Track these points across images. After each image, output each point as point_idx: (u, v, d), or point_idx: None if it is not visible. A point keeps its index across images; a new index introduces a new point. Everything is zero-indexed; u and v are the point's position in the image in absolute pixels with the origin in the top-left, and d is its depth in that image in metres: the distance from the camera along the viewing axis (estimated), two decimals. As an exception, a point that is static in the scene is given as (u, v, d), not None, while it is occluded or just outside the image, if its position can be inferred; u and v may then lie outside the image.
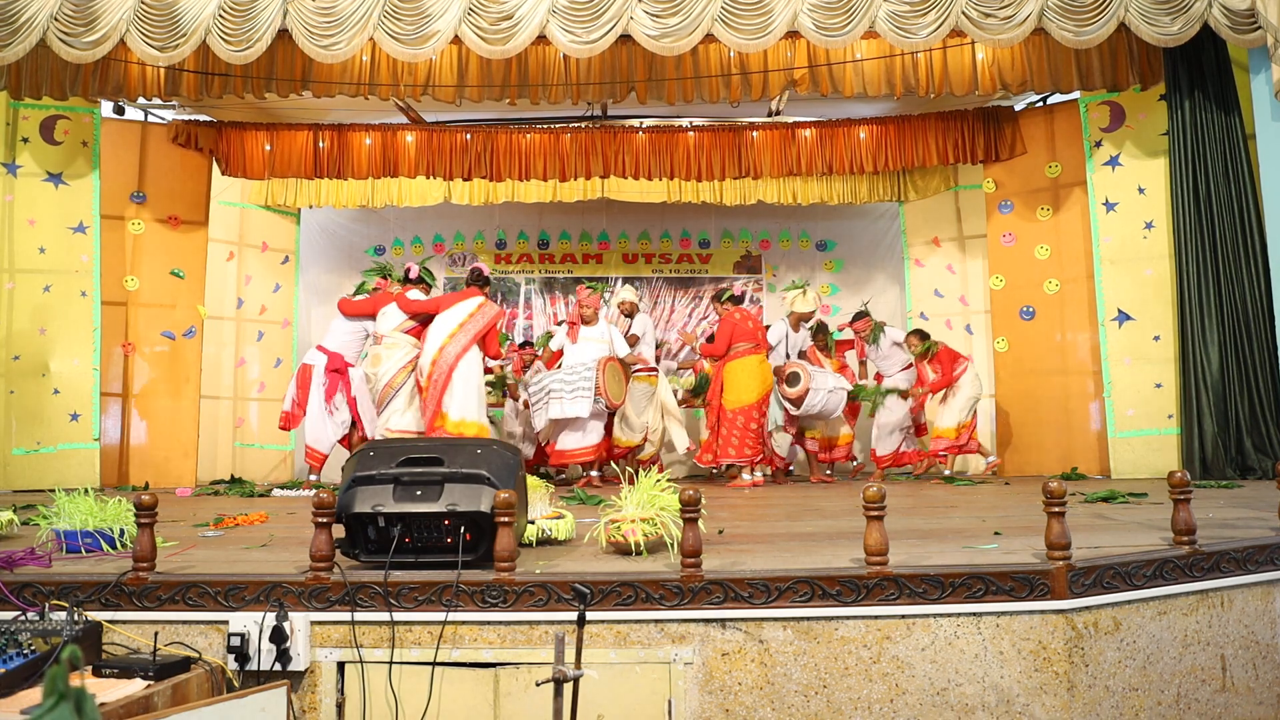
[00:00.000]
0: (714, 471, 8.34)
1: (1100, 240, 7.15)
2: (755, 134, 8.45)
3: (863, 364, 8.29)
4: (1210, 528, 3.47)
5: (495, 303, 7.08)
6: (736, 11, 6.02)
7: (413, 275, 6.75)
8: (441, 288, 10.07)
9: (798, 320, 7.69)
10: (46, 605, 2.71)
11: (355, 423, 6.55)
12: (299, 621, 2.71)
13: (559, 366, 7.12)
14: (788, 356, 7.57)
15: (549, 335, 8.07)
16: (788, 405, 7.32)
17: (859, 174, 8.88)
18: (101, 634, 2.68)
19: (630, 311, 7.89)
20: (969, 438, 7.58)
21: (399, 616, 2.74)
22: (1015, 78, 6.83)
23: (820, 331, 8.15)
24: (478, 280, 6.62)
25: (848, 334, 8.45)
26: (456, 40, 6.13)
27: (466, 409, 6.02)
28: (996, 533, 3.58)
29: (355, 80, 6.87)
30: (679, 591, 2.74)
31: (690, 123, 8.55)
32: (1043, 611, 2.74)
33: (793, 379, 7.24)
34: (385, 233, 10.08)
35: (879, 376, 7.99)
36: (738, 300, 7.67)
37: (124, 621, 2.75)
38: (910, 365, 7.82)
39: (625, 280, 9.13)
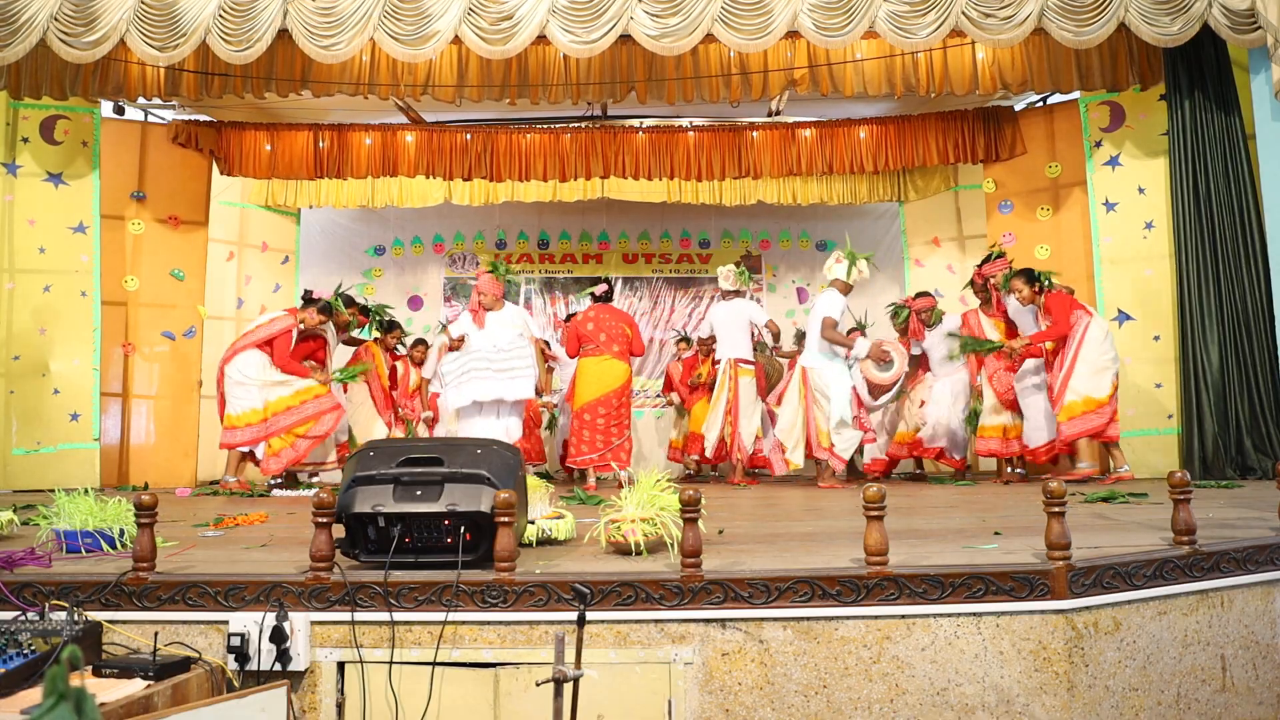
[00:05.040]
0: (706, 472, 8.35)
1: (1100, 240, 7.15)
2: (755, 134, 8.45)
3: (1012, 326, 6.81)
4: (1210, 528, 3.47)
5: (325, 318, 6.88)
6: (736, 11, 6.02)
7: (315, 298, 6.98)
8: (440, 289, 10.10)
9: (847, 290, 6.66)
10: (46, 605, 2.70)
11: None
12: (299, 621, 2.71)
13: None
14: (839, 325, 6.54)
15: (442, 327, 7.81)
16: (868, 396, 6.60)
17: (859, 174, 8.89)
18: (101, 634, 2.68)
19: (726, 296, 7.36)
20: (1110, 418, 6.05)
21: (399, 616, 2.74)
22: (1015, 78, 6.83)
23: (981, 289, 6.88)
24: (303, 298, 6.97)
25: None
26: (456, 40, 6.13)
27: (241, 403, 6.48)
28: (996, 533, 3.58)
29: (355, 80, 6.87)
30: (679, 591, 2.74)
31: (690, 123, 8.55)
32: (1043, 611, 2.74)
33: (884, 363, 6.51)
34: (385, 233, 10.10)
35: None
36: (600, 299, 7.18)
37: (124, 621, 2.75)
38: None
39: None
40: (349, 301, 7.12)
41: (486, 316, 6.44)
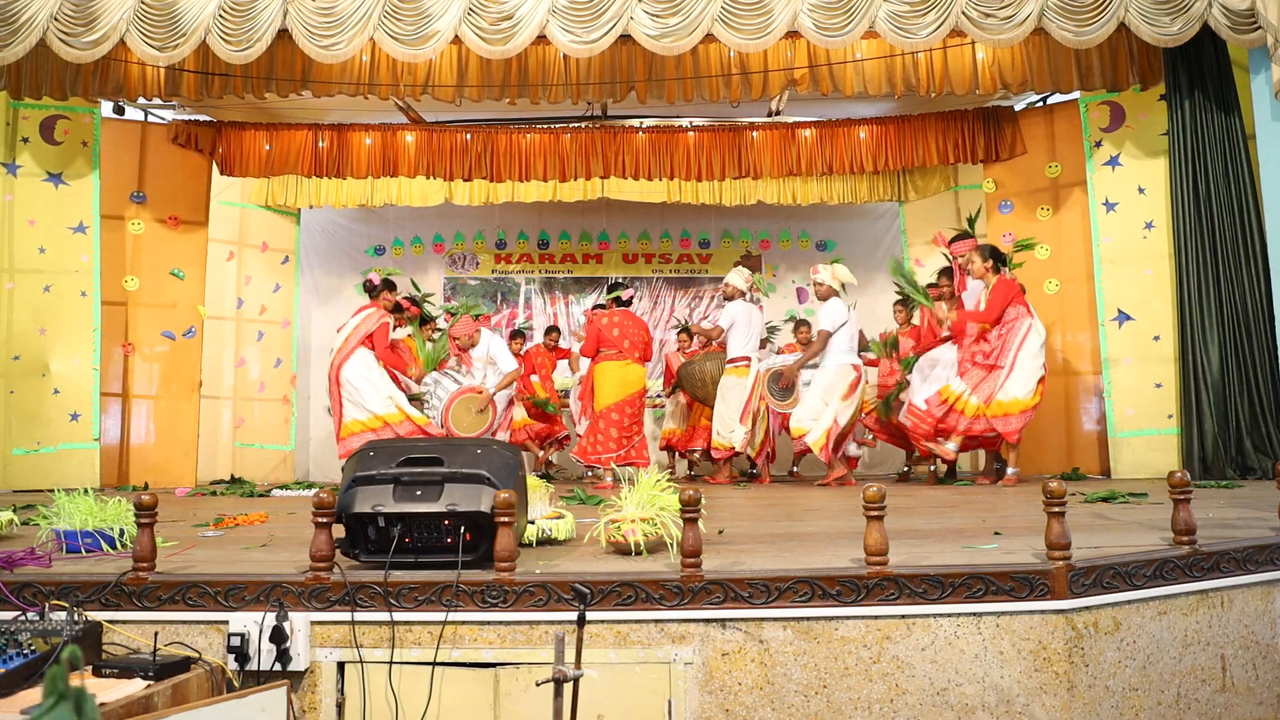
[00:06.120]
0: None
1: (1100, 240, 7.15)
2: (755, 134, 8.45)
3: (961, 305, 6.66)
4: (1210, 528, 3.47)
5: (390, 301, 6.96)
6: (736, 11, 6.02)
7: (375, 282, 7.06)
8: (441, 289, 10.10)
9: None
10: (46, 605, 2.70)
11: None
12: (299, 621, 2.71)
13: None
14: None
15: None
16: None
17: (859, 174, 8.89)
18: (101, 634, 2.68)
19: (731, 296, 7.36)
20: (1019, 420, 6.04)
21: (399, 616, 2.74)
22: (1015, 78, 6.83)
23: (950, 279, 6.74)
24: (367, 290, 7.08)
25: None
26: (456, 40, 6.13)
27: (361, 409, 6.49)
28: (996, 533, 3.58)
29: (355, 80, 6.87)
30: (679, 591, 2.74)
31: (690, 123, 8.55)
32: (1043, 611, 2.74)
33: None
34: (385, 233, 10.10)
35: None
36: (623, 303, 7.34)
37: (124, 621, 2.75)
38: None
39: (737, 263, 8.48)
40: (392, 286, 7.16)
41: (469, 355, 7.06)
